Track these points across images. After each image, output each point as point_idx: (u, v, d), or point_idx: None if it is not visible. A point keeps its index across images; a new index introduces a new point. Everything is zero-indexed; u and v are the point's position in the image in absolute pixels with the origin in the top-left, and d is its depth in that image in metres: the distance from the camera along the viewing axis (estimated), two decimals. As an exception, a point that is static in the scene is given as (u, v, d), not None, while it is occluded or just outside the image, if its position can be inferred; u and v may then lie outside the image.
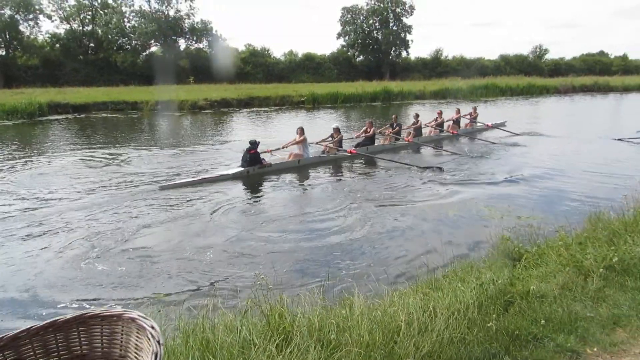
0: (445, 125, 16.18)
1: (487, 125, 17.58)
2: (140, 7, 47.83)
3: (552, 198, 8.55)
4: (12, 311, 4.51)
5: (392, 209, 7.90)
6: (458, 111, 16.82)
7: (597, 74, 56.28)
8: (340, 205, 7.93)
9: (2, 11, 39.50)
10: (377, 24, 55.72)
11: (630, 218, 5.30)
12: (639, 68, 62.82)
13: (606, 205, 6.32)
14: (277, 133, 17.41)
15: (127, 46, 45.75)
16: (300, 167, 11.25)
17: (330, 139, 12.31)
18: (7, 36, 39.79)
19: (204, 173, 10.31)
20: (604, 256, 4.05)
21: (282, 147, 11.51)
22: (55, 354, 1.22)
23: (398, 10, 55.39)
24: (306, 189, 9.75)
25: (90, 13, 45.18)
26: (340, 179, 10.60)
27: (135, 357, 1.20)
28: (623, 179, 9.53)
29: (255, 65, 47.54)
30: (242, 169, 10.17)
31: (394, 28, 55.65)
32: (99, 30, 44.32)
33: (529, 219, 6.73)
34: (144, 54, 46.14)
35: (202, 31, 47.38)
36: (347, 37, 56.09)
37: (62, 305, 4.55)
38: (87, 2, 44.72)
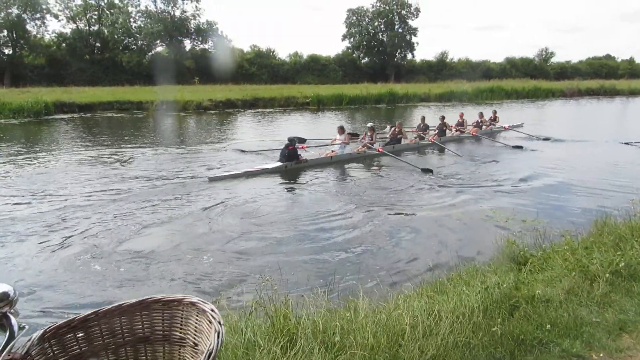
0: (468, 128, 17.05)
1: (505, 127, 18.37)
2: (146, 7, 48.34)
3: (558, 202, 8.50)
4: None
5: (400, 212, 7.90)
6: (481, 115, 17.81)
7: (604, 77, 56.05)
8: (351, 207, 7.99)
9: (10, 10, 39.79)
10: (382, 26, 55.71)
11: (637, 223, 5.25)
12: (645, 72, 62.51)
13: (612, 210, 6.28)
14: (281, 134, 17.43)
15: (133, 46, 45.93)
16: (333, 163, 11.97)
17: (364, 136, 13.06)
18: (14, 35, 40.07)
19: (245, 167, 10.90)
20: (610, 261, 4.02)
21: (331, 144, 12.63)
22: (120, 335, 1.30)
23: (403, 12, 55.39)
24: (329, 188, 9.85)
25: (96, 13, 45.47)
26: (361, 178, 10.91)
27: (194, 338, 1.28)
28: (630, 183, 9.47)
29: (260, 66, 47.64)
30: (280, 164, 10.90)
31: (399, 30, 55.63)
32: (105, 30, 44.53)
33: (534, 223, 6.69)
34: (150, 54, 46.31)
35: (207, 32, 47.54)
36: (352, 39, 56.12)
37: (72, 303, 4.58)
38: (93, 2, 45.03)
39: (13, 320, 1.13)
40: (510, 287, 3.68)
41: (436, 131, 15.57)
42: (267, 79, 45.44)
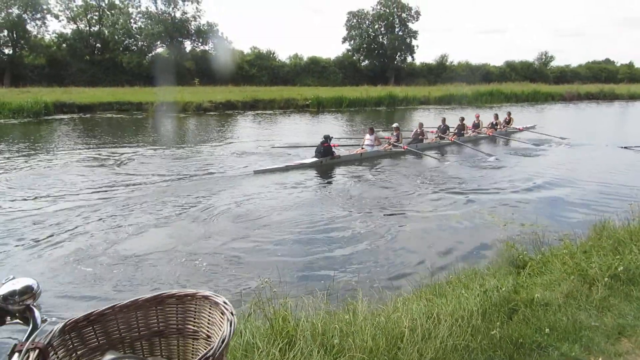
0: (483, 129, 17.86)
1: (519, 128, 19.10)
2: (147, 8, 48.20)
3: (556, 206, 8.51)
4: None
5: (401, 214, 7.94)
6: (496, 116, 18.75)
7: (603, 81, 56.09)
8: (353, 209, 8.05)
9: (10, 10, 39.79)
10: (382, 28, 55.72)
11: (636, 227, 5.25)
12: (645, 76, 62.57)
13: (611, 214, 6.26)
14: (282, 136, 17.51)
15: (133, 47, 45.88)
16: (362, 160, 13.05)
17: (391, 136, 14.17)
18: (15, 35, 40.01)
19: (286, 161, 11.90)
20: (609, 265, 4.02)
21: (363, 144, 13.73)
22: (136, 329, 1.35)
23: (404, 15, 55.42)
24: (350, 185, 10.38)
25: (97, 14, 45.42)
26: (383, 177, 11.27)
27: (207, 330, 1.33)
28: (629, 188, 9.49)
29: (261, 68, 47.60)
30: (316, 159, 11.93)
31: (400, 33, 55.64)
32: (106, 31, 44.50)
33: (533, 227, 6.70)
34: (150, 55, 46.27)
35: (208, 33, 47.51)
36: (352, 42, 56.12)
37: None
38: (94, 3, 44.98)
39: (36, 312, 1.20)
40: (509, 290, 3.68)
41: (455, 131, 16.60)
42: (267, 80, 45.42)
